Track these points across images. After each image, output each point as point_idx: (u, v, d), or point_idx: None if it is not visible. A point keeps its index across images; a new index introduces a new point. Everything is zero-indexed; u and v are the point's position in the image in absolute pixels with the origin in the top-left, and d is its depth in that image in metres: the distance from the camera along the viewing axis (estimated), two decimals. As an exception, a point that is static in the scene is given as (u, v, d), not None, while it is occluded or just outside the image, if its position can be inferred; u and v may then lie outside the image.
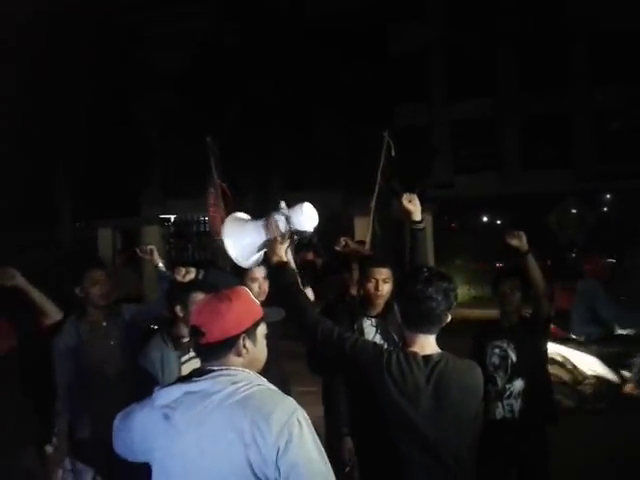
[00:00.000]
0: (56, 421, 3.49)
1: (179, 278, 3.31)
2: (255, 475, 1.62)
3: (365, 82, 16.37)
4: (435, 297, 2.08)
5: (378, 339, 3.37)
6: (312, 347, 2.27)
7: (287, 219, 2.34)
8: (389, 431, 2.06)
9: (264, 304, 3.27)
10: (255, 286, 3.37)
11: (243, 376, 1.74)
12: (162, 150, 19.16)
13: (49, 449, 3.53)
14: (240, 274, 3.48)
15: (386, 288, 3.41)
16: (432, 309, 2.09)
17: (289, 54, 16.01)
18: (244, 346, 1.77)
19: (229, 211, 6.58)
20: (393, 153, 5.65)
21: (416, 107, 20.59)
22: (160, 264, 3.72)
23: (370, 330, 3.41)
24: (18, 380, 3.50)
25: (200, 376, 1.74)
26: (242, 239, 2.42)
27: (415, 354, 2.10)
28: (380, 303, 3.43)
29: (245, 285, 3.30)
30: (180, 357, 3.13)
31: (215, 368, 1.75)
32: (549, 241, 12.75)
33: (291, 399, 1.72)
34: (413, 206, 3.03)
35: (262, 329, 1.85)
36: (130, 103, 18.17)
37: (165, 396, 1.74)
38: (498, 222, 19.71)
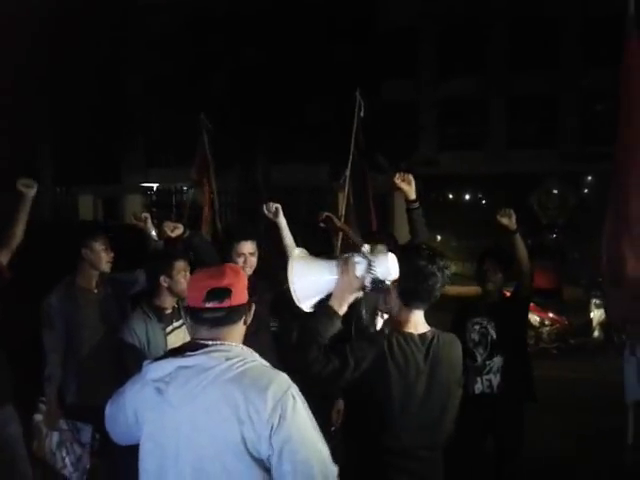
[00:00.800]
0: (46, 386, 3.46)
1: (168, 232, 3.33)
2: (249, 452, 1.62)
3: (353, 56, 16.20)
4: (437, 274, 2.11)
5: (364, 314, 3.41)
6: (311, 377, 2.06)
7: (370, 264, 2.06)
8: (384, 408, 2.08)
9: (251, 279, 3.31)
10: (240, 261, 3.33)
11: (237, 351, 1.73)
12: (145, 117, 18.87)
13: (38, 417, 3.51)
14: (225, 248, 3.47)
15: None
16: (435, 284, 2.11)
17: (276, 27, 15.75)
18: (248, 315, 1.80)
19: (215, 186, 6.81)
20: (362, 113, 5.59)
21: (403, 84, 20.45)
22: (153, 232, 3.73)
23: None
24: None
25: (194, 350, 1.72)
26: (308, 275, 2.09)
27: (412, 335, 2.13)
28: None
29: (231, 259, 3.30)
30: (164, 328, 3.11)
31: (209, 343, 1.73)
32: (531, 221, 12.87)
33: (285, 375, 1.72)
34: (406, 185, 3.05)
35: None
36: (115, 69, 17.79)
37: (157, 370, 1.72)
38: (482, 201, 19.82)
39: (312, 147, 16.60)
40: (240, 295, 1.75)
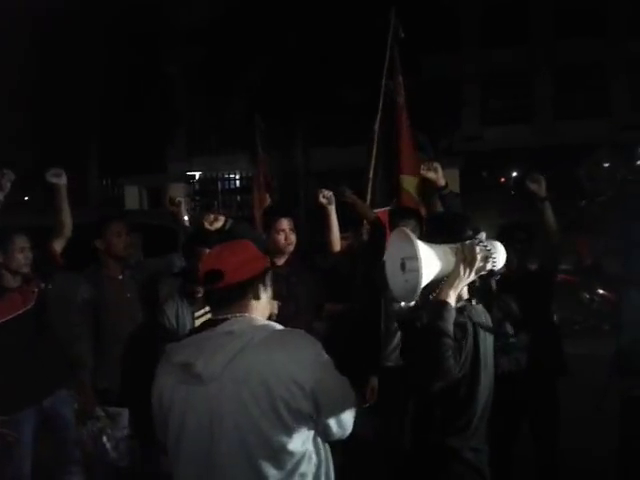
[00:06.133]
0: (78, 374, 3.51)
1: (207, 225, 3.25)
2: (287, 413, 1.63)
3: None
4: None
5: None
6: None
7: (489, 253, 1.99)
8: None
9: (292, 255, 3.37)
10: (281, 237, 3.38)
11: (258, 320, 1.75)
12: (187, 105, 19.05)
13: (75, 407, 3.56)
14: (265, 228, 3.50)
15: None
16: None
17: (311, 6, 15.59)
18: (259, 291, 1.78)
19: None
20: (402, 34, 4.91)
21: (445, 58, 19.99)
22: (185, 217, 3.75)
23: None
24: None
25: (215, 326, 1.72)
26: (434, 266, 1.93)
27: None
28: None
29: (272, 237, 3.36)
30: (194, 312, 3.16)
31: (229, 316, 1.73)
32: (579, 194, 12.46)
33: (307, 334, 1.76)
34: (433, 173, 3.01)
35: (269, 278, 1.85)
36: (155, 58, 17.99)
37: (181, 350, 1.72)
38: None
39: (350, 128, 16.44)
40: (238, 272, 1.72)
